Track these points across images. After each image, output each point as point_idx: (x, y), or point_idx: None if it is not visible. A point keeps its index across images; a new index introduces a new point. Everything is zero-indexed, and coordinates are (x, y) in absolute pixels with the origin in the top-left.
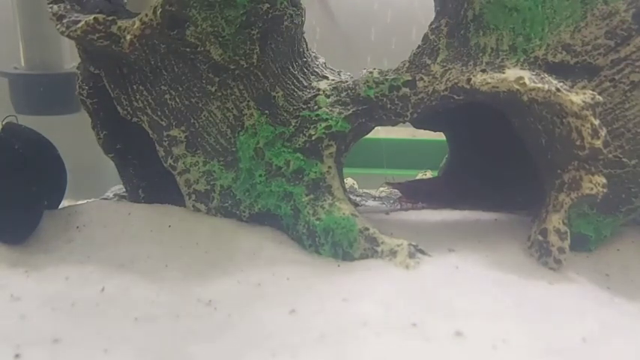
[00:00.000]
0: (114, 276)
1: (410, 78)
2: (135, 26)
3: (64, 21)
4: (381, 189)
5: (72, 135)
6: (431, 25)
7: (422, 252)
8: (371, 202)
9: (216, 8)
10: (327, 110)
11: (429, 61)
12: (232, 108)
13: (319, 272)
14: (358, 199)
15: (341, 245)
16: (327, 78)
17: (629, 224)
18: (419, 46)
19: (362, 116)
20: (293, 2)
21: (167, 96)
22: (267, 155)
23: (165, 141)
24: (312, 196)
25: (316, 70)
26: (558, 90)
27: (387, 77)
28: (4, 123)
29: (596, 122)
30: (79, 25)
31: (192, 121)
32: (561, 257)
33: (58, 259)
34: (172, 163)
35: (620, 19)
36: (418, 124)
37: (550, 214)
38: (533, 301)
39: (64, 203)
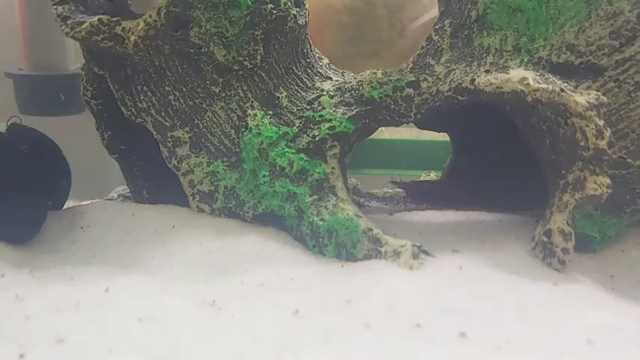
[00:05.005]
0: (118, 276)
1: (414, 79)
2: (139, 27)
3: (69, 22)
4: (385, 189)
5: (76, 136)
6: (435, 25)
7: (425, 253)
8: (374, 203)
9: (220, 9)
10: (330, 111)
11: (432, 62)
12: (236, 108)
13: (323, 273)
14: (362, 199)
15: (344, 246)
16: (330, 79)
17: (634, 225)
18: (422, 47)
19: (366, 117)
20: (297, 3)
21: (171, 97)
22: (271, 156)
23: (170, 142)
24: (315, 196)
25: (320, 70)
26: (562, 90)
27: (390, 78)
28: (8, 124)
29: (601, 123)
30: (84, 26)
31: (196, 121)
32: (565, 258)
33: (63, 259)
34: (176, 164)
35: (625, 19)
36: (422, 125)
37: (554, 214)
38: (537, 302)
39: (69, 204)
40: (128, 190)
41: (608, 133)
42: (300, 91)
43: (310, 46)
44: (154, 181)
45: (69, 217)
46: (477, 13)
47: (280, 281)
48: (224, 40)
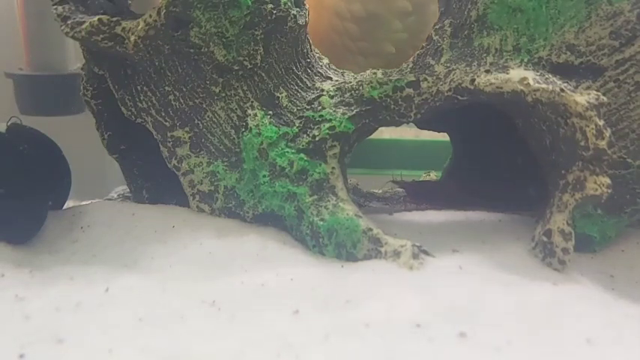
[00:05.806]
0: (118, 276)
1: (414, 79)
2: (139, 27)
3: (69, 22)
4: (385, 189)
5: (76, 136)
6: (435, 25)
7: (426, 253)
8: (375, 203)
9: (220, 9)
10: (330, 111)
11: (432, 62)
12: (236, 108)
13: (323, 273)
14: (362, 199)
15: (344, 246)
16: (330, 78)
17: (634, 225)
18: (422, 47)
19: (366, 117)
20: (297, 3)
21: (171, 97)
22: (271, 156)
23: (169, 142)
24: (315, 196)
25: (320, 70)
26: (562, 90)
27: (390, 78)
28: (8, 124)
29: (601, 123)
30: (84, 26)
31: (196, 121)
32: (565, 258)
33: (63, 259)
34: (176, 164)
35: (625, 19)
36: (422, 125)
37: (554, 214)
38: (537, 302)
39: (69, 204)
40: (128, 190)
41: (608, 133)
42: (300, 91)
43: (310, 46)
44: (153, 181)
45: (69, 217)
46: (477, 13)
47: (280, 281)
48: (224, 40)
